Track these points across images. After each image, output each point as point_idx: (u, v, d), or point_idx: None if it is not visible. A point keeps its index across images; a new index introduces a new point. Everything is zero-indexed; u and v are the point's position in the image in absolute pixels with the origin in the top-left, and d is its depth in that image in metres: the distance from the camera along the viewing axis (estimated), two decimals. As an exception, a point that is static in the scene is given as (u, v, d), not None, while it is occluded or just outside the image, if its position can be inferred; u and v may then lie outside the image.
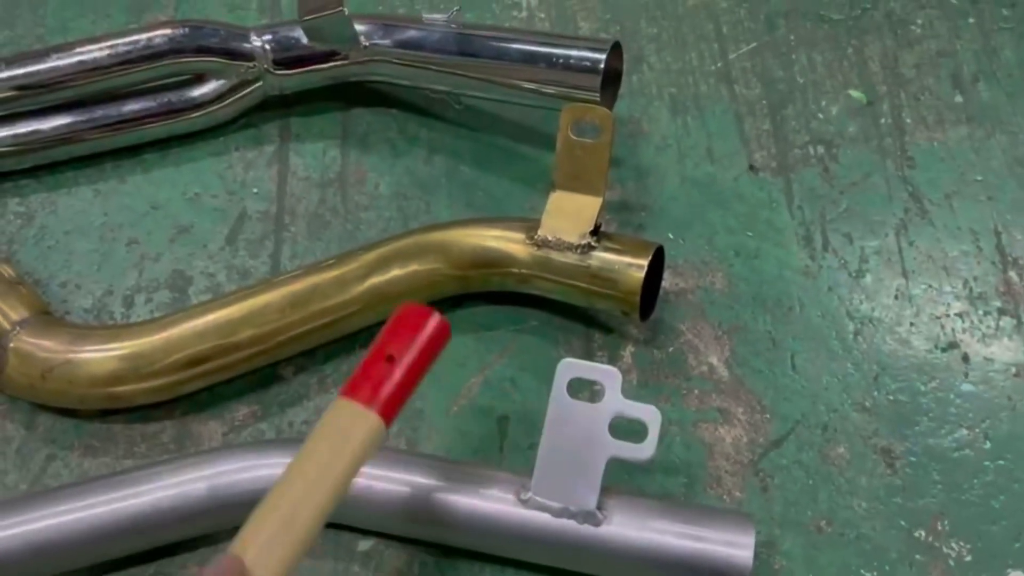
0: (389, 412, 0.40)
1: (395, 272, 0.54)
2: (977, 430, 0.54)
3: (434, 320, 0.42)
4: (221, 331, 0.50)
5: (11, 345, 0.49)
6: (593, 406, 0.44)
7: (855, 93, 0.67)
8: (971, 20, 0.70)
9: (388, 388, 0.40)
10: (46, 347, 0.49)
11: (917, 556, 0.50)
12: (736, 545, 0.43)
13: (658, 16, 0.71)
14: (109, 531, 0.46)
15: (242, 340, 0.51)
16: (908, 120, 0.66)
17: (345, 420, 0.39)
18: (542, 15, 0.71)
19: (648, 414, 0.43)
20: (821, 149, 0.65)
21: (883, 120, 0.66)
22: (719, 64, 0.68)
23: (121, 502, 0.46)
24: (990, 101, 0.67)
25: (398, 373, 0.40)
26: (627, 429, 0.45)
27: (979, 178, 0.63)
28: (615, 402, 0.44)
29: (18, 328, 0.49)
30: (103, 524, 0.46)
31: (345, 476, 0.38)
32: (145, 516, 0.46)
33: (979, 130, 0.65)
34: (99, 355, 0.49)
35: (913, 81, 0.68)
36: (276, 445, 0.48)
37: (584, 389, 0.48)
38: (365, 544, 0.50)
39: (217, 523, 0.47)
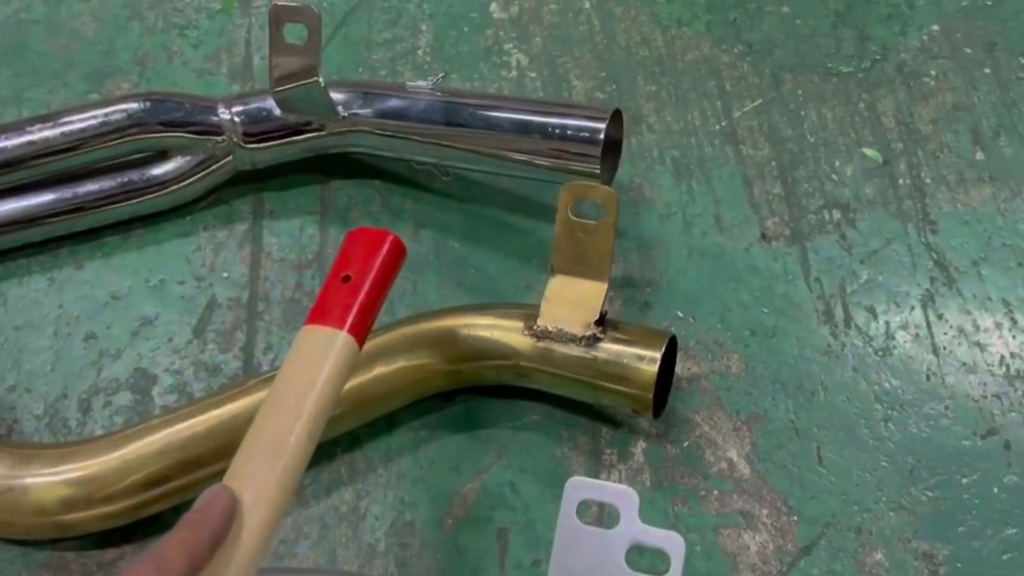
0: (358, 330, 0.39)
1: (379, 370, 0.48)
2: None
3: (388, 239, 0.42)
4: (184, 447, 0.45)
5: (-54, 471, 0.43)
6: (608, 532, 0.39)
7: (870, 152, 0.63)
8: (987, 70, 0.67)
9: (353, 307, 0.39)
10: (-13, 472, 0.43)
11: None
12: None
13: (656, 73, 0.66)
14: None
15: (208, 456, 0.45)
16: (928, 180, 0.62)
17: (315, 344, 0.39)
18: (533, 74, 0.66)
19: (671, 543, 0.38)
20: (837, 214, 0.60)
21: (901, 181, 0.61)
22: (723, 123, 0.64)
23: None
24: (1013, 157, 0.62)
25: (360, 292, 0.40)
26: (647, 556, 0.40)
27: (1008, 243, 0.59)
28: (632, 528, 0.39)
29: (-45, 451, 0.44)
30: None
31: (325, 398, 0.38)
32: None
33: (1003, 190, 0.61)
34: (46, 480, 0.44)
35: (931, 137, 0.63)
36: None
37: (593, 505, 0.43)
38: None
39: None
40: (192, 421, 0.46)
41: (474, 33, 0.68)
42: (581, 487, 0.40)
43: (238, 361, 0.54)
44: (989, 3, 0.69)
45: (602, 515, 0.47)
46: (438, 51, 0.67)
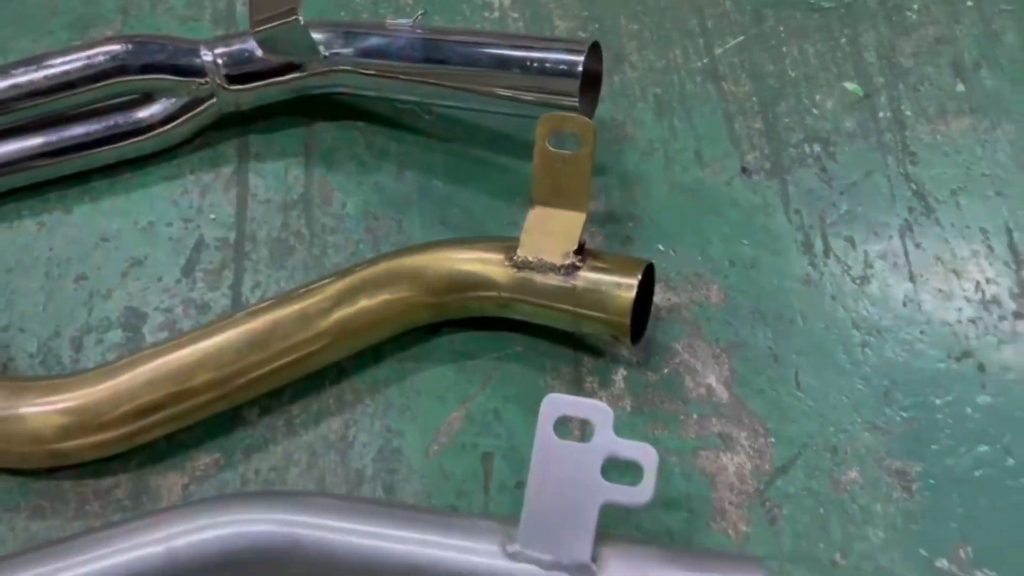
0: None
1: (364, 303, 0.49)
2: (998, 446, 0.50)
3: None
4: (175, 377, 0.46)
5: (-56, 402, 0.45)
6: (583, 446, 0.40)
7: (851, 86, 0.63)
8: (970, 3, 0.66)
9: None
10: (-18, 403, 0.45)
11: (941, 589, 0.46)
12: (746, 596, 0.39)
13: (639, 12, 0.66)
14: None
15: (199, 385, 0.47)
16: (908, 113, 0.62)
17: None
18: (515, 15, 0.66)
19: (643, 454, 0.39)
20: (817, 147, 0.61)
21: (881, 114, 0.62)
22: (705, 60, 0.64)
23: (72, 570, 0.42)
24: (994, 89, 0.63)
25: None
26: (621, 469, 0.41)
27: (986, 172, 0.59)
28: (607, 441, 0.40)
29: (-50, 384, 0.45)
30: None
31: None
32: (97, 586, 0.42)
33: (983, 121, 0.61)
34: (41, 409, 0.45)
35: (912, 71, 0.64)
36: (239, 500, 0.44)
37: (573, 427, 0.44)
38: (341, 603, 0.45)
39: (177, 590, 0.43)
40: (181, 352, 0.47)
41: (456, -26, 0.68)
42: (557, 403, 0.41)
43: (226, 299, 0.55)
44: (972, -65, 0.69)
45: (583, 436, 0.48)
46: (420, -8, 0.67)
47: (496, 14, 0.66)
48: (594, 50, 0.55)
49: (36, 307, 0.54)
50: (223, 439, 0.50)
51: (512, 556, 0.41)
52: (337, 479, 0.49)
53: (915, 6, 0.66)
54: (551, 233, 0.49)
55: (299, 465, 0.49)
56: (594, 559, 0.40)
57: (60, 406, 0.45)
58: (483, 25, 0.66)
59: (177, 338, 0.48)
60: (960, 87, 0.63)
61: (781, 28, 0.66)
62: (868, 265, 0.56)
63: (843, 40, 0.65)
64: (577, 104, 0.53)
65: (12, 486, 0.48)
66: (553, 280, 0.49)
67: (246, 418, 0.51)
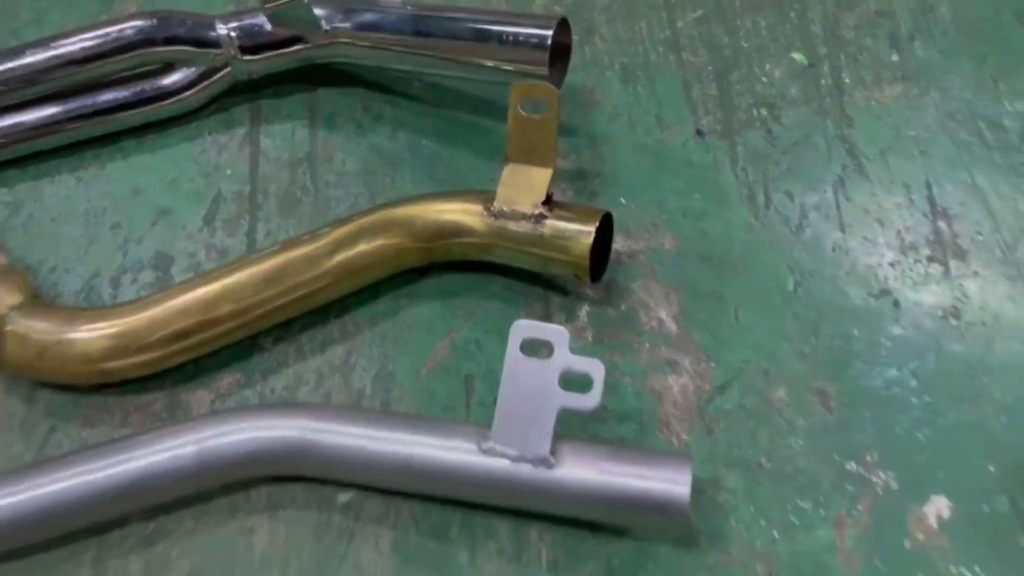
0: None
1: (362, 247, 0.57)
2: (906, 370, 0.58)
3: None
4: (202, 308, 0.54)
5: (8, 328, 0.53)
6: (544, 362, 0.49)
7: (797, 56, 0.70)
8: (909, -21, 0.73)
9: None
10: (40, 329, 0.53)
11: (848, 487, 0.55)
12: (675, 482, 0.47)
13: (609, -13, 0.74)
14: (109, 494, 0.51)
15: (222, 315, 0.55)
16: (847, 80, 0.69)
17: None
18: (498, -10, 0.73)
19: (593, 367, 0.48)
20: (764, 112, 0.68)
21: (823, 81, 0.69)
22: (667, 32, 0.71)
23: (119, 467, 0.51)
24: (925, 59, 0.70)
25: None
26: (577, 382, 0.49)
27: (913, 134, 0.67)
28: (563, 358, 0.48)
29: (14, 312, 0.53)
30: (103, 488, 0.51)
31: None
32: (141, 479, 0.51)
33: (914, 88, 0.69)
34: (90, 335, 0.53)
35: (852, 42, 0.71)
36: (258, 410, 0.53)
37: (539, 348, 0.52)
38: (345, 496, 0.54)
39: (206, 483, 0.52)
40: (207, 287, 0.55)
41: (444, -47, 0.75)
42: (523, 328, 0.49)
43: (243, 245, 0.63)
44: (913, -83, 0.75)
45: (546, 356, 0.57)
46: (412, -29, 0.74)
47: (480, -10, 0.74)
48: (563, 25, 0.62)
49: (78, 251, 0.62)
50: (243, 363, 0.58)
51: (486, 452, 0.49)
52: (341, 398, 0.58)
53: (859, -18, 0.74)
54: (523, 187, 0.57)
55: (308, 384, 0.58)
56: (552, 453, 0.49)
57: (105, 331, 0.54)
58: (467, 1, 0.73)
59: (203, 275, 0.56)
60: (895, 57, 0.70)
61: (737, 2, 0.73)
62: (804, 216, 0.64)
63: (792, 14, 0.72)
64: (547, 73, 0.60)
65: (67, 400, 0.57)
66: (524, 227, 0.57)
67: (262, 345, 0.59)
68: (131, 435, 0.52)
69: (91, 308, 0.57)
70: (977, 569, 0.52)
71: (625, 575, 0.51)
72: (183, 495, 0.53)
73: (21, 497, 0.50)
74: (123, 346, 0.54)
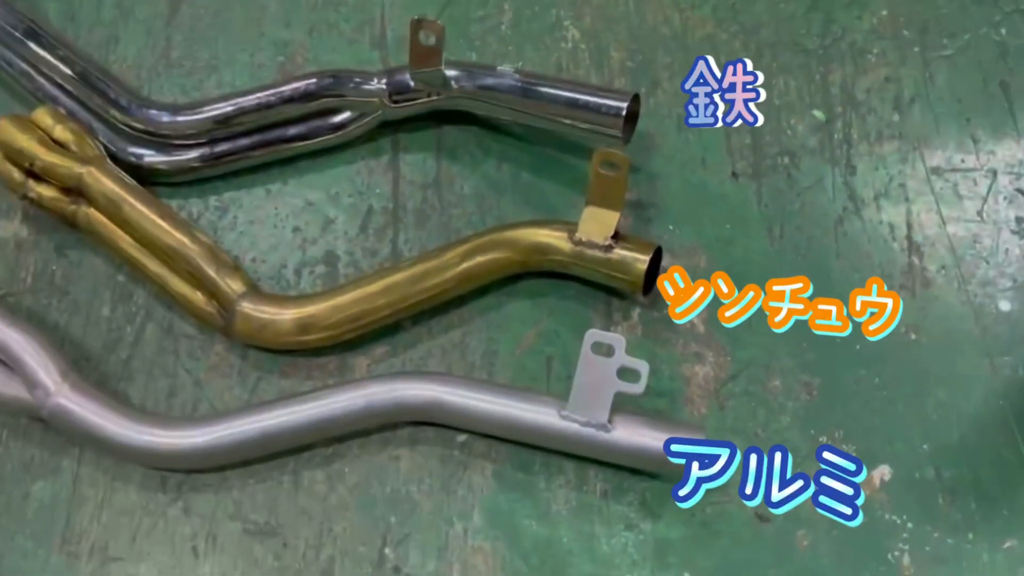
0: None
1: (478, 259, 0.79)
2: (872, 371, 0.79)
3: None
4: (367, 301, 0.77)
5: (237, 309, 0.77)
6: (606, 360, 0.71)
7: (817, 113, 0.89)
8: (916, 49, 0.91)
9: None
10: (261, 311, 0.77)
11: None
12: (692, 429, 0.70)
13: (672, 47, 0.92)
14: (303, 429, 0.75)
15: (379, 306, 0.78)
16: (855, 135, 0.88)
17: None
18: (583, 46, 0.93)
19: (641, 366, 0.70)
20: (787, 159, 0.87)
21: (836, 135, 0.88)
22: (716, 89, 0.90)
23: (312, 411, 0.75)
24: (920, 121, 0.88)
25: None
26: (629, 374, 0.71)
27: (901, 183, 0.86)
28: (621, 357, 0.70)
29: (242, 299, 0.77)
30: (299, 424, 0.74)
31: None
32: (325, 420, 0.75)
33: (907, 145, 0.87)
34: (292, 316, 0.77)
35: (863, 103, 0.89)
36: (405, 376, 0.76)
37: (604, 349, 0.74)
38: (461, 438, 0.78)
39: (369, 424, 0.76)
40: (370, 287, 0.78)
41: (542, 12, 0.94)
42: (594, 335, 0.71)
43: (388, 248, 0.85)
44: (930, -12, 0.92)
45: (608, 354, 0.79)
46: (515, 26, 0.93)
47: (569, 45, 0.93)
48: (635, 99, 0.82)
49: (269, 248, 0.85)
50: (390, 338, 0.81)
51: (564, 418, 0.72)
52: (458, 368, 0.80)
53: (875, 50, 0.91)
54: (598, 224, 0.78)
55: (435, 357, 0.81)
56: (609, 421, 0.71)
57: (302, 315, 0.77)
58: (559, 52, 0.92)
59: (366, 276, 0.79)
60: (896, 117, 0.89)
61: (774, 64, 0.91)
62: (809, 247, 0.84)
63: (817, 76, 0.90)
64: (620, 135, 0.80)
65: (270, 359, 0.80)
66: (597, 254, 0.78)
67: (404, 327, 0.82)
68: (315, 388, 0.76)
69: (291, 296, 0.81)
70: (905, 518, 0.74)
71: (655, 504, 0.74)
72: (352, 431, 0.77)
73: (247, 427, 0.74)
74: (312, 325, 0.77)
